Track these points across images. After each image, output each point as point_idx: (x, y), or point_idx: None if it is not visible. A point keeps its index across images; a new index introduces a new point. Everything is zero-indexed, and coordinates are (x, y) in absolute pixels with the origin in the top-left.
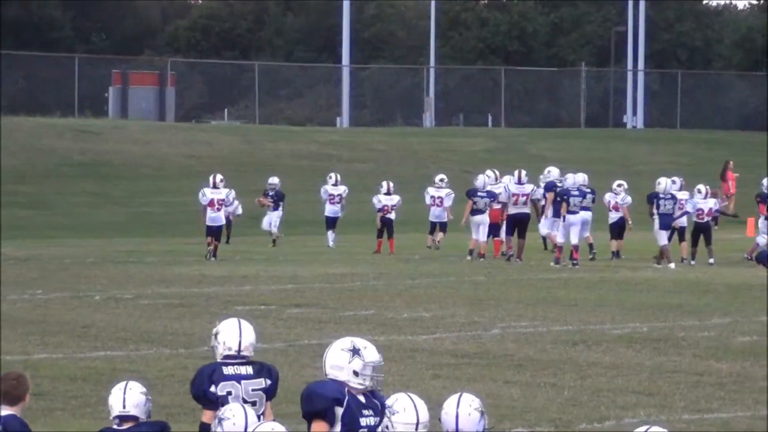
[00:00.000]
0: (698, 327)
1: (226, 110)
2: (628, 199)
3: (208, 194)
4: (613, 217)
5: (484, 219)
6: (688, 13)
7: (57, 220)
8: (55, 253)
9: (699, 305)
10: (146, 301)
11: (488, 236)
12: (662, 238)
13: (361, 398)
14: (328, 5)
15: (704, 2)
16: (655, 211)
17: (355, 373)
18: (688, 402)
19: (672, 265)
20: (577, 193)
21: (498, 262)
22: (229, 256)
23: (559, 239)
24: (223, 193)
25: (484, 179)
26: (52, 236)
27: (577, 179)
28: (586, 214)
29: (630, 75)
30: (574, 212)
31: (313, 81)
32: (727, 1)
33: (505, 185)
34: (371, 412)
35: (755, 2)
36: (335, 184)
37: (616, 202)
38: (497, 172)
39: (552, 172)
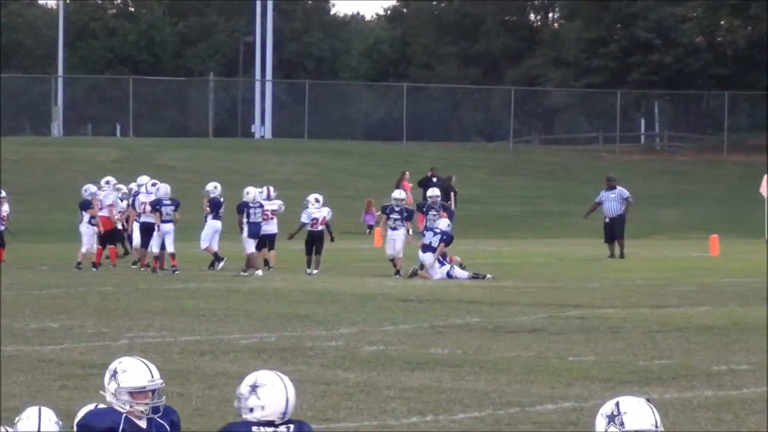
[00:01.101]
0: (326, 337)
1: None
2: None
3: None
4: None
5: (87, 228)
6: (315, 23)
7: None
8: None
9: (327, 315)
10: None
11: (104, 245)
12: (250, 246)
13: (141, 424)
14: None
15: (332, 13)
16: (245, 220)
17: (114, 396)
18: (316, 411)
19: (259, 272)
20: (169, 202)
21: (126, 272)
22: None
23: (154, 248)
24: None
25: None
26: None
27: (208, 188)
28: (216, 224)
29: (258, 85)
30: (167, 221)
31: None
32: (355, 12)
33: (119, 194)
34: None
35: (382, 13)
36: None
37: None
38: (110, 180)
39: (141, 180)
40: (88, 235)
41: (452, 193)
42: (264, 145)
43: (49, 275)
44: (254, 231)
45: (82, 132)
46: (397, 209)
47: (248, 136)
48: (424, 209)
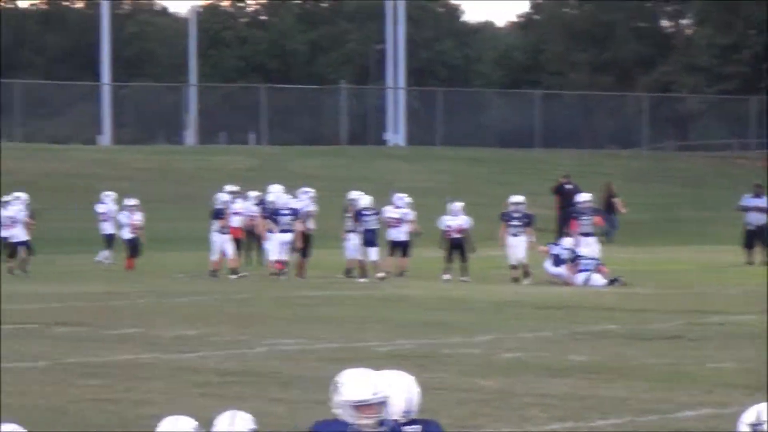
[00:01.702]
0: (463, 344)
1: None
2: (411, 214)
3: None
4: (394, 233)
5: (219, 237)
6: (446, 31)
7: None
8: None
9: (463, 322)
10: None
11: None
12: (368, 253)
13: None
14: (88, 23)
15: (463, 20)
16: (359, 228)
17: (339, 409)
18: (454, 419)
19: (363, 280)
20: (287, 211)
21: (261, 280)
22: None
23: (275, 256)
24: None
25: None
26: None
27: (352, 197)
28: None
29: (390, 93)
30: (285, 230)
31: (73, 99)
32: (486, 19)
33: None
34: None
35: (514, 20)
36: (104, 203)
37: (399, 218)
38: (233, 189)
39: (272, 189)
40: (219, 243)
41: (614, 200)
42: (397, 153)
43: (185, 283)
44: (367, 238)
45: (215, 140)
46: (516, 215)
47: (380, 143)
48: (575, 214)
